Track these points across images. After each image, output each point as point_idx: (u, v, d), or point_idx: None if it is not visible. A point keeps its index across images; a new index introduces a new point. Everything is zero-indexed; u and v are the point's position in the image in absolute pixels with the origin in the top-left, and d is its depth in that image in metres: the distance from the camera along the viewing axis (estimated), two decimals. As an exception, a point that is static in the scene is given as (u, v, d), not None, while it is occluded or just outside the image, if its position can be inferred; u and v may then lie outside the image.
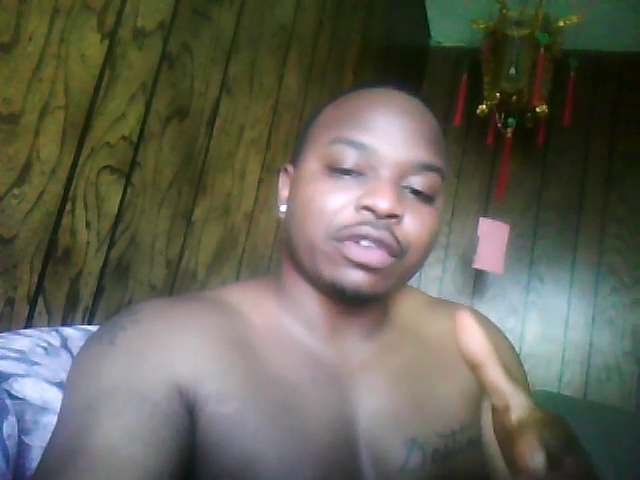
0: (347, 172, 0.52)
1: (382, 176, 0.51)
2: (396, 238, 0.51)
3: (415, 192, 0.53)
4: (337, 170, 0.52)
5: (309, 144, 0.57)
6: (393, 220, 0.51)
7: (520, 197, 2.29)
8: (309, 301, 0.56)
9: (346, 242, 0.51)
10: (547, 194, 2.27)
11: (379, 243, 0.50)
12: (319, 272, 0.53)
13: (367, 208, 0.50)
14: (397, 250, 0.51)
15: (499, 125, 2.06)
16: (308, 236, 0.53)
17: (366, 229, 0.50)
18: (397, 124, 0.53)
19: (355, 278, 0.51)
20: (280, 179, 0.61)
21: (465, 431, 0.56)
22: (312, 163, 0.55)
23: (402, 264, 0.53)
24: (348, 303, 0.55)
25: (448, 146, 2.41)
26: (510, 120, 2.03)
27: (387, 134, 0.52)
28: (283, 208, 0.59)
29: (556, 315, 2.16)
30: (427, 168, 0.53)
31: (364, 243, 0.50)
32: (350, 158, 0.52)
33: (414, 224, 0.52)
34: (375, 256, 0.50)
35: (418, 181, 0.53)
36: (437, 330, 0.62)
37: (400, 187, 0.52)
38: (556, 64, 2.05)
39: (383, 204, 0.49)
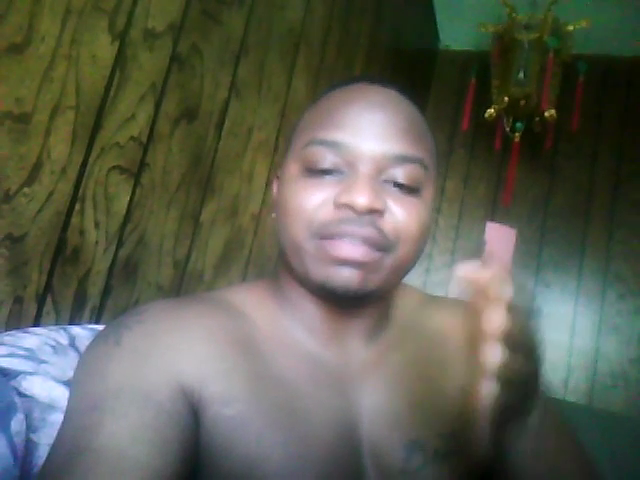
0: (326, 172, 0.52)
1: (360, 172, 0.51)
2: (382, 232, 0.50)
3: (398, 185, 0.52)
4: (315, 171, 0.52)
5: (290, 149, 0.58)
6: (375, 215, 0.50)
7: (527, 202, 2.28)
8: (306, 305, 0.56)
9: (327, 239, 0.51)
10: (554, 200, 2.27)
11: (363, 240, 0.50)
12: (308, 273, 0.53)
13: (345, 205, 0.50)
14: (384, 244, 0.51)
15: (507, 129, 2.06)
16: (291, 236, 0.53)
17: (343, 227, 0.50)
18: (370, 118, 0.52)
19: (343, 276, 0.50)
20: (274, 185, 0.62)
21: None
22: (292, 167, 0.55)
23: (393, 257, 0.52)
24: (343, 303, 0.55)
25: (455, 150, 2.38)
26: (518, 125, 2.02)
27: (360, 129, 0.52)
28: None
29: (562, 321, 2.15)
30: (405, 160, 0.52)
31: (348, 241, 0.50)
32: (326, 158, 0.52)
33: (400, 216, 0.52)
34: (360, 251, 0.50)
35: (398, 173, 0.52)
36: (437, 327, 0.61)
37: (381, 181, 0.52)
38: (565, 68, 2.04)
39: (361, 200, 0.49)
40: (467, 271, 0.37)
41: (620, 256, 2.15)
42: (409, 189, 0.52)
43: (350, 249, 0.50)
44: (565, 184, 2.27)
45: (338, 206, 0.50)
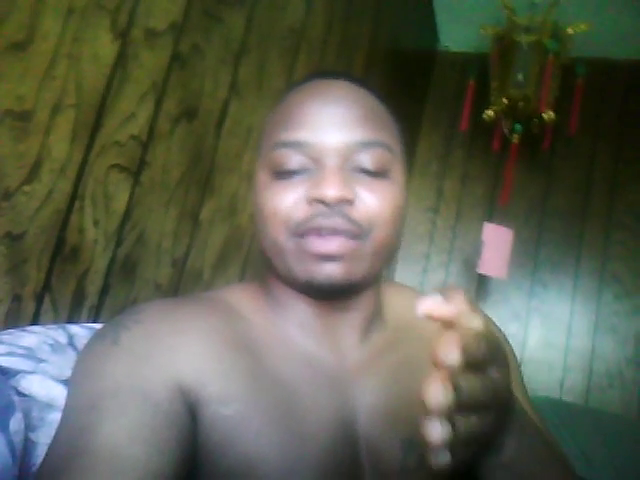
0: (294, 172, 0.53)
1: (326, 166, 0.52)
2: (353, 220, 0.52)
3: (365, 171, 0.53)
4: (284, 174, 0.54)
5: (259, 155, 0.59)
6: (345, 204, 0.51)
7: (524, 203, 2.28)
8: (295, 303, 0.57)
9: (305, 236, 0.52)
10: (552, 200, 2.27)
11: (334, 231, 0.51)
12: (291, 272, 0.54)
13: (316, 200, 0.51)
14: (357, 232, 0.52)
15: (505, 131, 2.06)
16: (272, 239, 0.54)
17: (318, 221, 0.51)
18: (327, 112, 0.54)
19: (325, 272, 0.51)
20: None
21: None
22: (261, 172, 0.56)
23: (370, 244, 0.53)
24: (331, 298, 0.55)
25: (453, 151, 2.37)
26: (517, 126, 2.02)
27: (319, 124, 0.53)
28: None
29: (559, 321, 2.16)
30: (367, 145, 0.53)
31: (322, 236, 0.51)
32: (292, 159, 0.53)
33: (371, 201, 0.53)
34: (334, 244, 0.51)
35: (364, 159, 0.53)
36: (431, 325, 0.62)
37: (348, 170, 0.53)
38: (564, 71, 2.04)
39: (330, 192, 0.50)
40: (429, 306, 0.37)
41: (617, 257, 2.15)
42: (377, 173, 0.54)
43: (325, 243, 0.51)
44: (563, 185, 2.27)
45: (310, 202, 0.52)
